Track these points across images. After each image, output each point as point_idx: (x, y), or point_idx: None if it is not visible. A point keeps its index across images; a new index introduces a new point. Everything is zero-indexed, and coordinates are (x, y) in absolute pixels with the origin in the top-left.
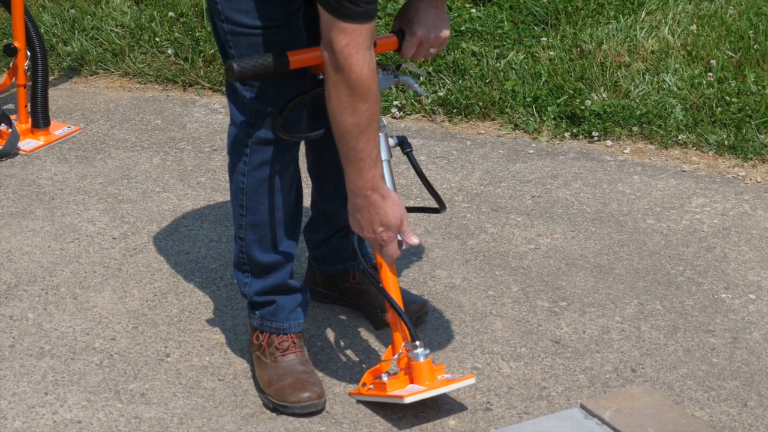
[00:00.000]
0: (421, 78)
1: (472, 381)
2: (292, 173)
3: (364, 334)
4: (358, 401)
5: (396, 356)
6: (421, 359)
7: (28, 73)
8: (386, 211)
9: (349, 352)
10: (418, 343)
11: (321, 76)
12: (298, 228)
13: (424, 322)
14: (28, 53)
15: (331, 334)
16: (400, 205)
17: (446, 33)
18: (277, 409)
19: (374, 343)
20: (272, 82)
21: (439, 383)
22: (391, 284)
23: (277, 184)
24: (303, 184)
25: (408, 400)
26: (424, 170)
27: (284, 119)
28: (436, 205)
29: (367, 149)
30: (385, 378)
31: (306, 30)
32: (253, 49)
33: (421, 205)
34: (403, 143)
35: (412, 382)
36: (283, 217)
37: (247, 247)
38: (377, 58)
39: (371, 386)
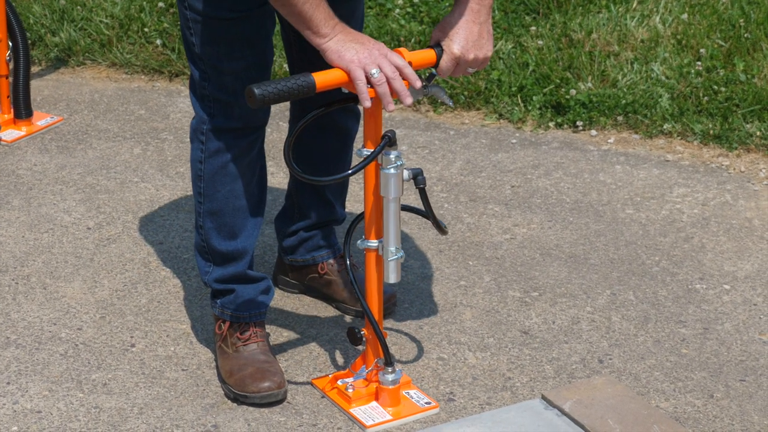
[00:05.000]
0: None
1: (435, 411)
2: (251, 162)
3: (331, 325)
4: (322, 397)
5: (366, 371)
6: (390, 386)
7: (10, 64)
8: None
9: (314, 343)
10: (390, 369)
11: (346, 91)
12: (259, 218)
13: (393, 313)
14: (10, 44)
15: (297, 325)
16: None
17: (488, 53)
18: (237, 399)
19: (341, 334)
20: (229, 72)
21: (403, 411)
22: (375, 302)
23: (235, 171)
24: (282, 174)
25: (369, 431)
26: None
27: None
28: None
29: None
30: (350, 390)
31: (291, 29)
32: (213, 38)
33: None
34: (416, 178)
35: (376, 399)
36: (243, 205)
37: (206, 235)
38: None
39: (336, 385)
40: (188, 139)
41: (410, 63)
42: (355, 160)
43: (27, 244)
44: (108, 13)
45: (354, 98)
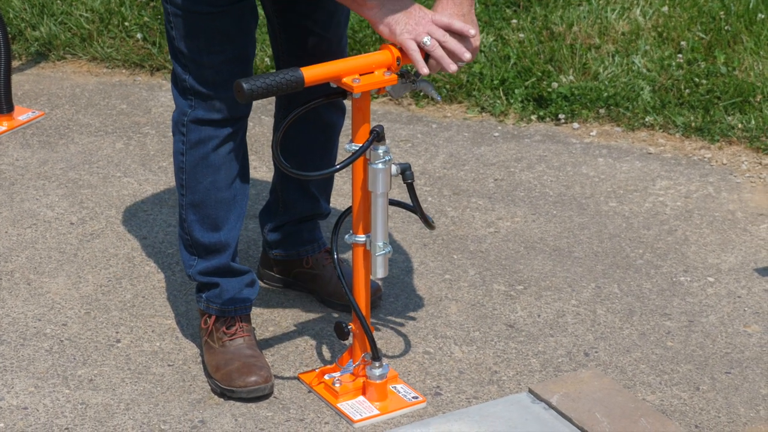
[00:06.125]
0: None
1: (423, 405)
2: (233, 153)
3: (317, 319)
4: (309, 392)
5: (353, 366)
6: (377, 381)
7: None
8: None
9: (300, 337)
10: (377, 364)
11: (334, 85)
12: (242, 209)
13: (378, 307)
14: None
15: (283, 320)
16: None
17: (476, 43)
18: (224, 394)
19: (327, 329)
20: (209, 65)
21: (391, 406)
22: (362, 296)
23: (216, 162)
24: (265, 168)
25: (357, 426)
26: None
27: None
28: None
29: None
30: (337, 384)
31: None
32: (192, 32)
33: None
34: (404, 173)
35: (363, 394)
36: (225, 197)
37: (189, 228)
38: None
39: (323, 380)
40: (170, 134)
41: (399, 58)
42: (344, 155)
43: (10, 239)
44: (88, 7)
45: (341, 93)
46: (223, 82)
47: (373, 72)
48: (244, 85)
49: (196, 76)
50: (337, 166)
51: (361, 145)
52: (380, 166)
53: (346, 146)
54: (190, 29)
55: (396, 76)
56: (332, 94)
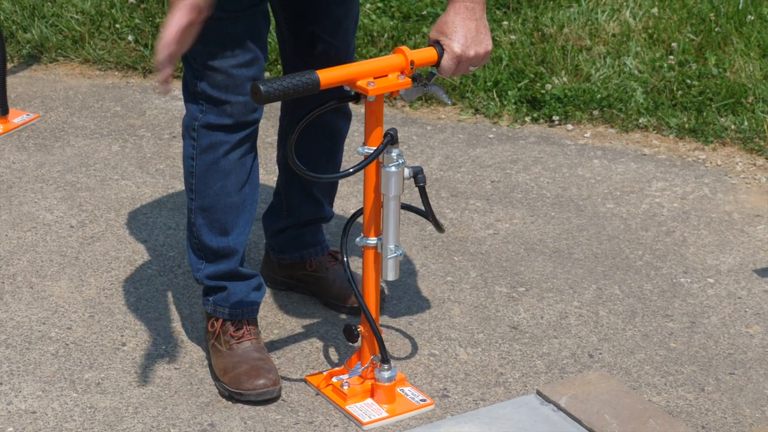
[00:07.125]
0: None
1: (430, 408)
2: (243, 158)
3: (322, 322)
4: (317, 394)
5: (362, 368)
6: (386, 383)
7: None
8: None
9: (306, 340)
10: (386, 366)
11: (347, 88)
12: (251, 214)
13: (382, 308)
14: None
15: (288, 322)
16: None
17: (488, 47)
18: (232, 397)
19: (331, 331)
20: (221, 71)
21: (399, 408)
22: (372, 299)
23: (226, 167)
24: (263, 171)
25: (367, 428)
26: None
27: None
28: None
29: None
30: (345, 387)
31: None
32: (204, 37)
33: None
34: (417, 176)
35: (372, 396)
36: (234, 202)
37: (198, 232)
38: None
39: (331, 382)
40: (166, 136)
41: (412, 62)
42: (357, 159)
43: (10, 242)
44: (78, 8)
45: (354, 96)
46: (235, 87)
47: (387, 75)
48: (261, 88)
49: (208, 81)
50: (351, 170)
51: (375, 148)
52: (393, 168)
53: (358, 149)
54: (202, 34)
55: (410, 79)
56: (344, 97)
